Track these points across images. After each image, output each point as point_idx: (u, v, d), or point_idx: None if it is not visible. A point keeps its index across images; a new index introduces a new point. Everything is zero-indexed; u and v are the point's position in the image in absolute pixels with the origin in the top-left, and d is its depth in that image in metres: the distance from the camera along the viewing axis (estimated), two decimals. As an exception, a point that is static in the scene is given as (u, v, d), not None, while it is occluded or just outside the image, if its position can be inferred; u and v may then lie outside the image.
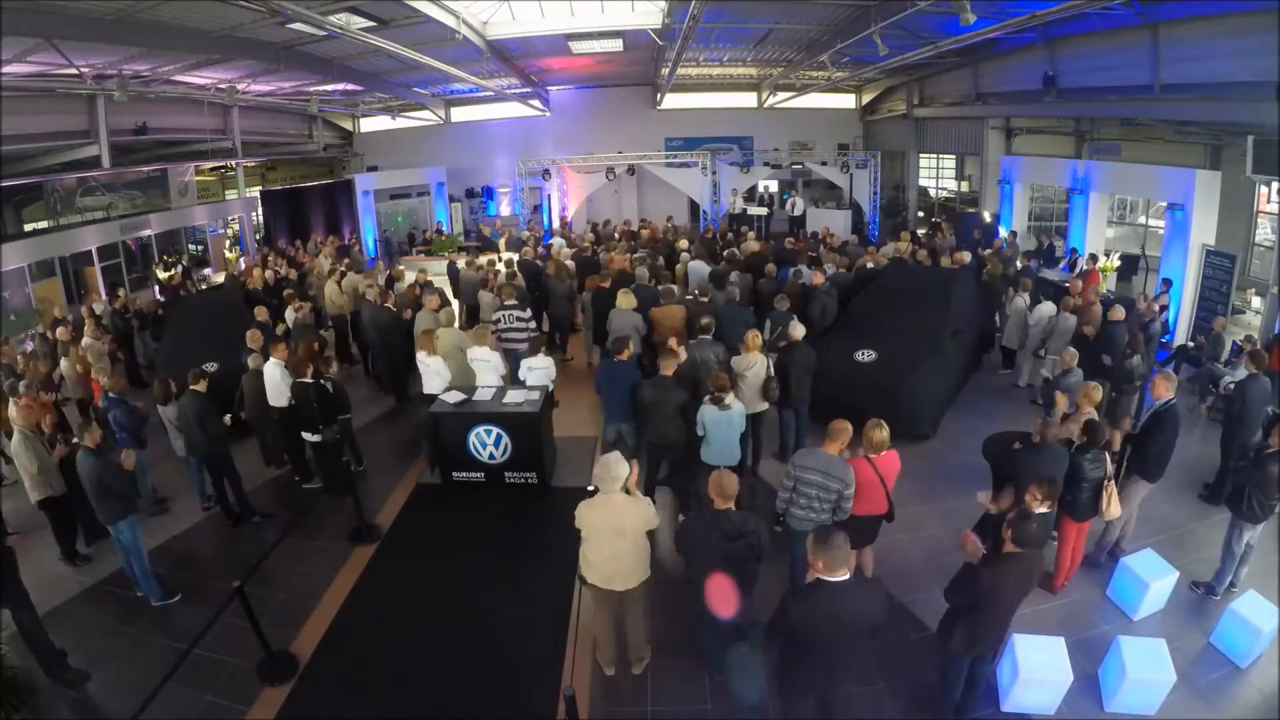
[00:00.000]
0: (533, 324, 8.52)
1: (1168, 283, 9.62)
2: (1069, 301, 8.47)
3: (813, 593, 3.31)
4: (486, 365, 7.24)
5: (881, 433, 4.72)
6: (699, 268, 10.67)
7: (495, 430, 6.63)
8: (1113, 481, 4.99)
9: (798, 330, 6.87)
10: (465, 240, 19.16)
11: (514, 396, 6.84)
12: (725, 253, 11.89)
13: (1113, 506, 4.98)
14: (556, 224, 18.80)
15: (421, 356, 7.27)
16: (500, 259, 13.28)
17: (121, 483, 5.29)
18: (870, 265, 10.44)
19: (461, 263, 12.01)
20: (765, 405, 6.45)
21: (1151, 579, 4.86)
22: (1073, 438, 5.11)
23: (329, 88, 16.78)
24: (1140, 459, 5.37)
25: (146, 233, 15.06)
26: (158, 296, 12.90)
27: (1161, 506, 6.10)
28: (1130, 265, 11.92)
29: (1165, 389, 5.34)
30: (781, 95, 20.36)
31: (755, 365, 6.29)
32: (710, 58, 17.86)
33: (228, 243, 18.12)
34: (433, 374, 7.23)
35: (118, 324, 10.35)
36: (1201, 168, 10.55)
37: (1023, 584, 3.74)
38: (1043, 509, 4.04)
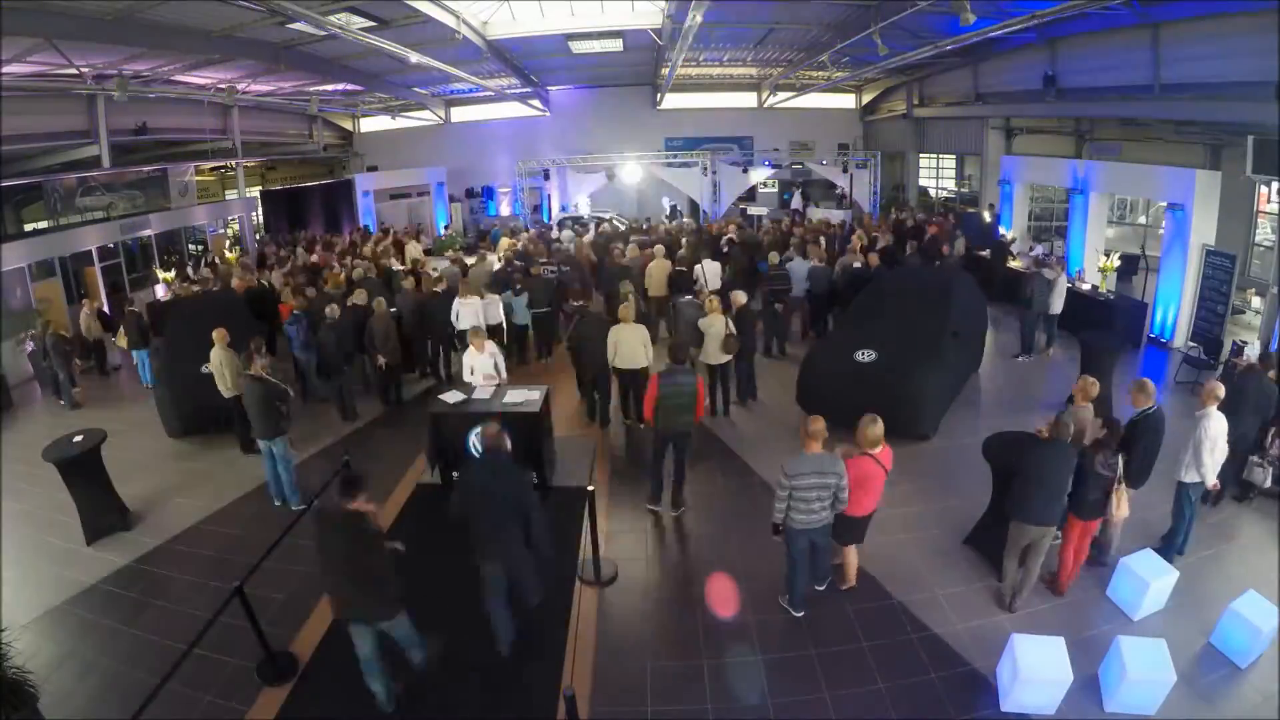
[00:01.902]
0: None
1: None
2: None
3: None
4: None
5: (877, 428, 4.72)
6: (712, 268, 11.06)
7: (495, 430, 6.62)
8: (1123, 483, 4.95)
9: (740, 297, 8.32)
10: (467, 239, 19.23)
11: (514, 396, 6.84)
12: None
13: (1123, 507, 4.96)
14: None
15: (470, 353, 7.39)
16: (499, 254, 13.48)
17: (280, 404, 6.44)
18: (857, 265, 10.53)
19: (470, 260, 12.40)
20: (727, 357, 7.85)
21: (1151, 579, 4.85)
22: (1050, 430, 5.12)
23: (329, 88, 16.79)
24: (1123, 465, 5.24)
25: (146, 233, 15.05)
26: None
27: (1163, 506, 6.09)
28: (1130, 265, 11.92)
29: (1143, 398, 5.28)
30: (781, 95, 20.37)
31: (716, 325, 7.73)
32: (710, 58, 17.87)
33: (228, 243, 18.13)
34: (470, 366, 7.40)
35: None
36: (1201, 168, 10.55)
37: (1060, 464, 4.62)
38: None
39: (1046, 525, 4.73)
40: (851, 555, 5.12)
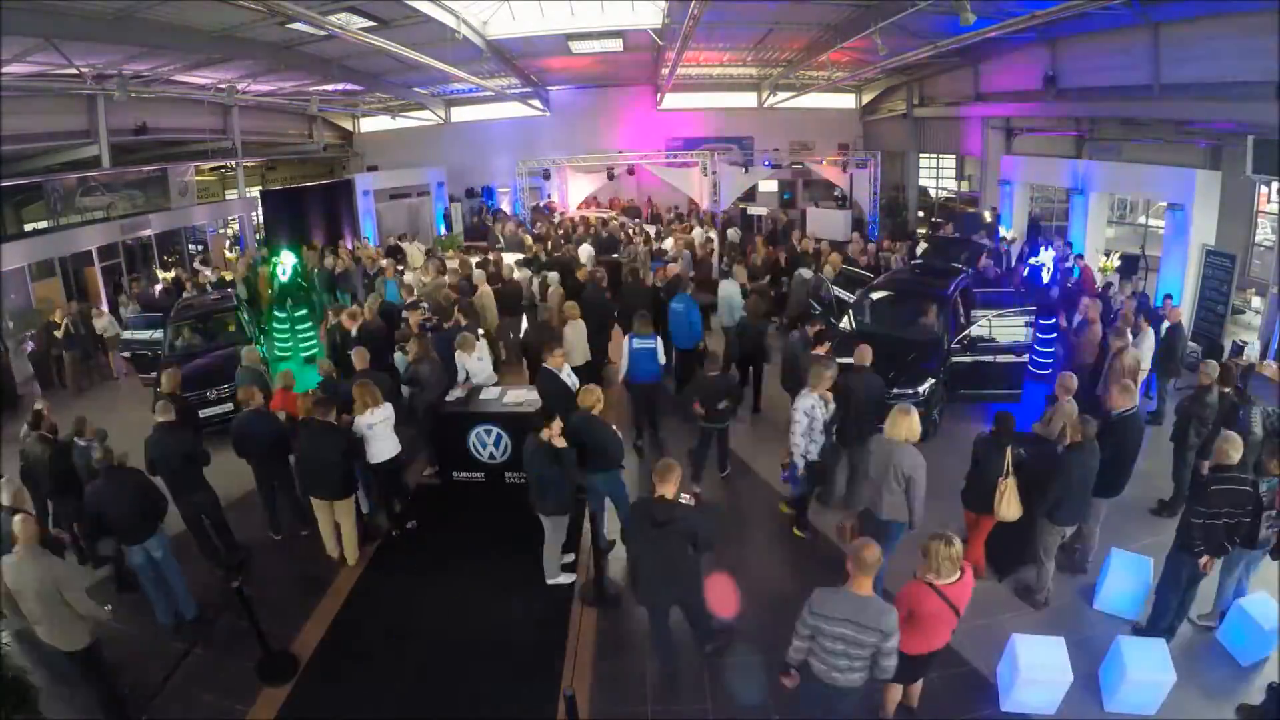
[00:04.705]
0: None
1: None
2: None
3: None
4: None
5: (952, 549, 3.48)
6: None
7: (495, 430, 6.64)
8: (1009, 475, 4.90)
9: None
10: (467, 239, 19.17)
11: (514, 396, 6.84)
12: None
13: (1011, 506, 4.91)
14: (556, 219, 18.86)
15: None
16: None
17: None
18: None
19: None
20: None
21: (1152, 580, 4.86)
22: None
23: (329, 88, 16.79)
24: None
25: (146, 233, 15.03)
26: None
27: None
28: (1130, 265, 11.92)
29: (1122, 398, 5.12)
30: (781, 95, 20.37)
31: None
32: (710, 58, 17.86)
33: (228, 243, 18.12)
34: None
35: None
36: (1201, 168, 10.54)
37: (1092, 465, 4.72)
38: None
39: (1075, 525, 4.96)
40: (894, 691, 4.08)
